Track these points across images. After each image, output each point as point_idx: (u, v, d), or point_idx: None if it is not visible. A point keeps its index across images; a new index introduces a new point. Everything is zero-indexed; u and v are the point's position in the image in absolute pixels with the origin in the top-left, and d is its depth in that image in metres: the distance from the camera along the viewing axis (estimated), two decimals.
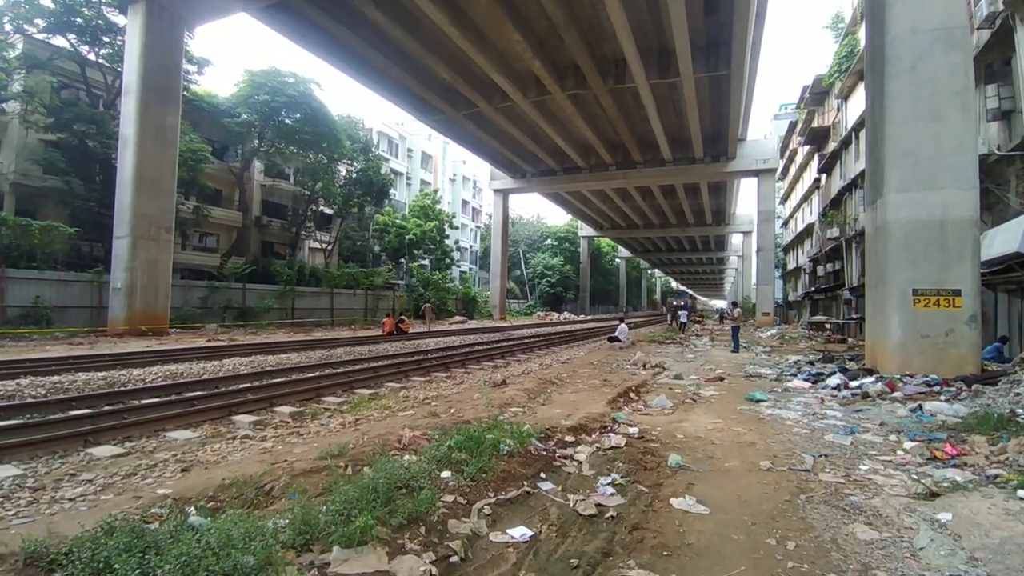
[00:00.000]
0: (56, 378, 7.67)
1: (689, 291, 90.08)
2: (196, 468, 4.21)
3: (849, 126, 23.78)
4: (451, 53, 20.00)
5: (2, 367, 8.43)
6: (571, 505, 3.43)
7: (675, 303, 46.77)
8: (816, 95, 30.36)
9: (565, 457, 4.50)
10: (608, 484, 3.83)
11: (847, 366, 10.02)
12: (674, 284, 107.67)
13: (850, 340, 18.43)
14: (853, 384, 8.03)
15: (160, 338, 15.35)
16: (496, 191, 39.80)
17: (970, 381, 7.38)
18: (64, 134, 19.62)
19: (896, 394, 6.98)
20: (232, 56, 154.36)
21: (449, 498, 3.34)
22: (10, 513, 3.32)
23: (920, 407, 6.13)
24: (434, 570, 2.50)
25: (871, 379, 8.02)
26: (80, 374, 8.14)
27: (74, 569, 2.08)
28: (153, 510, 3.16)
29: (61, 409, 5.83)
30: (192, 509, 3.16)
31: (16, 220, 16.80)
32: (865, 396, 7.27)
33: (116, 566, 2.09)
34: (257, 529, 2.52)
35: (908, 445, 4.60)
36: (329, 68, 23.23)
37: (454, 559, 2.65)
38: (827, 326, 25.16)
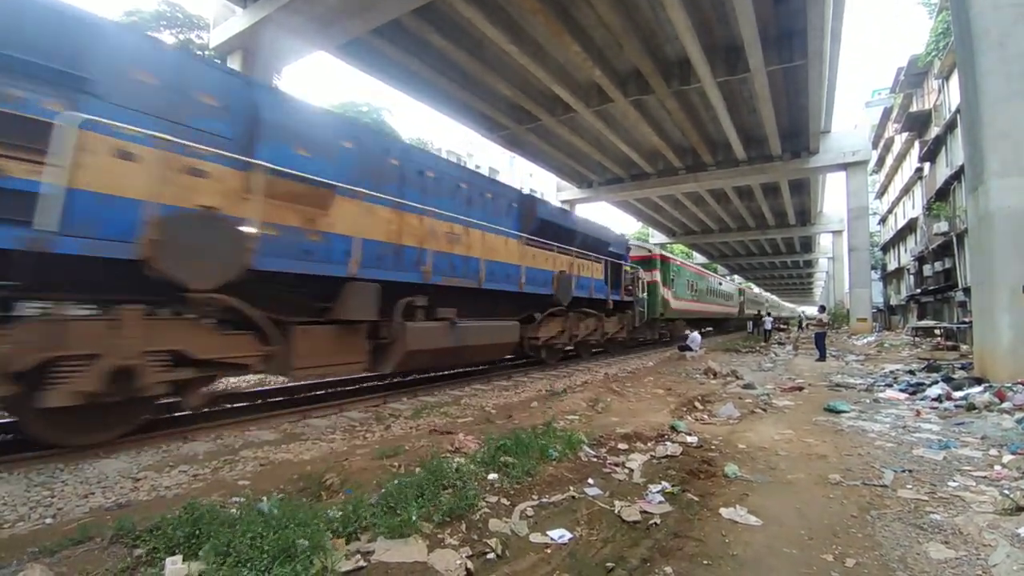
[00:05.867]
0: None
1: (645, 245, 22.90)
2: (272, 464, 4.63)
3: (953, 107, 21.34)
4: (512, 70, 20.49)
5: None
6: (615, 511, 3.40)
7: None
8: (913, 76, 27.65)
9: (616, 464, 4.44)
10: (657, 492, 3.75)
11: (954, 375, 8.95)
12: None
13: (963, 347, 16.36)
14: (957, 395, 7.18)
15: None
16: (563, 202, 39.77)
17: None
18: None
19: (1005, 404, 6.14)
20: (316, 90, 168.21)
21: (493, 499, 3.44)
22: (110, 501, 3.60)
23: None
24: (470, 565, 2.60)
25: (978, 389, 7.12)
26: None
27: (156, 543, 2.41)
28: (233, 499, 3.56)
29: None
30: (264, 498, 3.52)
31: None
32: (971, 408, 6.47)
33: (193, 539, 2.41)
34: (312, 516, 2.78)
35: (1007, 459, 4.06)
36: (399, 94, 24.70)
37: (491, 556, 2.73)
38: (936, 332, 22.54)
